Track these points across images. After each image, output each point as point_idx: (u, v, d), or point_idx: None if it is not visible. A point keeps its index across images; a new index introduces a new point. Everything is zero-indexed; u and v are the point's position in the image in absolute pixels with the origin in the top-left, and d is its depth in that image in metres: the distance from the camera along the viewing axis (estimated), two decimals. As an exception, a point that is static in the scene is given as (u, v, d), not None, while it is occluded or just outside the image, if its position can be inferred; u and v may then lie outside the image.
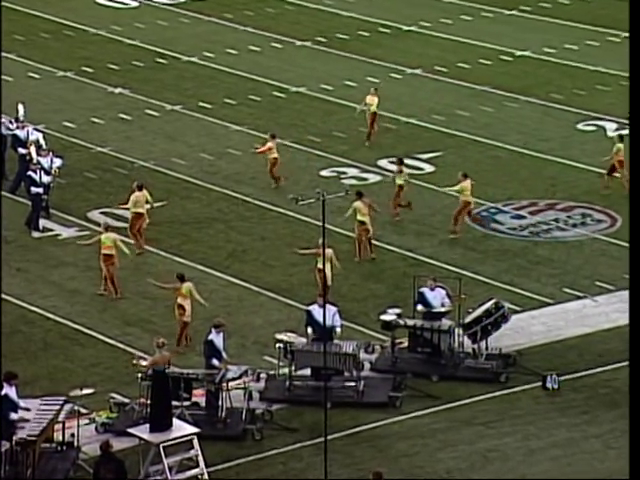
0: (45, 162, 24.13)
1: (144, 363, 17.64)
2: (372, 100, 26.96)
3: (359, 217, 22.29)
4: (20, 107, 25.79)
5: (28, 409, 16.24)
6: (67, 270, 22.06)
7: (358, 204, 22.27)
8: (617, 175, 24.74)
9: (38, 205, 23.52)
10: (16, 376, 16.39)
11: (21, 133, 25.17)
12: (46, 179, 23.76)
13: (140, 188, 22.81)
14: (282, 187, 25.51)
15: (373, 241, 23.02)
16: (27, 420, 16.08)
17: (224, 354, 17.97)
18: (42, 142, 25.21)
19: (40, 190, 23.47)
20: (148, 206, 23.02)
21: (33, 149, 24.69)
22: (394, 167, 24.59)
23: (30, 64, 32.24)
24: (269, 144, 25.08)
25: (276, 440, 17.43)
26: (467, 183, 23.44)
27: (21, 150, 24.91)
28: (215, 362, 17.72)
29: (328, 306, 18.64)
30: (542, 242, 23.52)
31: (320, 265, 20.65)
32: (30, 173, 23.65)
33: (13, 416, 16.03)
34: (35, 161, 24.07)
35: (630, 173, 16.31)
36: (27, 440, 16.00)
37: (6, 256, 22.56)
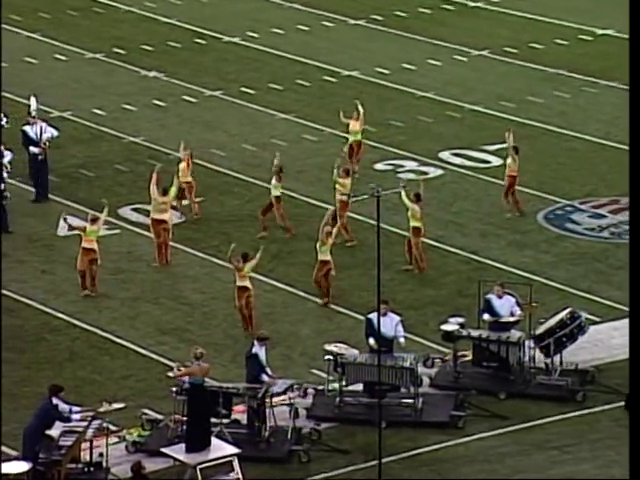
0: None
1: (179, 373, 17.74)
2: (355, 126, 25.06)
3: (413, 223, 22.00)
4: (32, 100, 25.16)
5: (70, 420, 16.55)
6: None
7: (415, 207, 21.96)
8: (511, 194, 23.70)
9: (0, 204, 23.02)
10: (62, 389, 16.72)
11: (31, 130, 24.51)
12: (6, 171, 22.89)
13: (164, 192, 22.49)
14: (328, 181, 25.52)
15: (434, 242, 22.97)
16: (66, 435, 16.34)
17: (269, 370, 17.98)
18: None
19: (1, 186, 23.07)
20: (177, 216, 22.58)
21: None
22: (273, 176, 22.81)
23: (56, 45, 32.62)
24: (188, 160, 23.38)
25: (325, 463, 17.46)
26: (348, 180, 23.01)
27: (33, 149, 24.48)
28: (264, 377, 17.75)
29: (390, 315, 18.66)
30: (624, 244, 23.30)
31: (323, 257, 20.80)
32: None
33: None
34: None
35: (630, 172, 16.32)
36: (52, 460, 16.22)
37: (30, 257, 22.86)
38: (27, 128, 24.65)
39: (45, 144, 24.48)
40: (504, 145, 25.97)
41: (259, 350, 17.95)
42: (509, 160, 24.02)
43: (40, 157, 24.42)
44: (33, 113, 24.88)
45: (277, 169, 23.22)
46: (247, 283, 20.22)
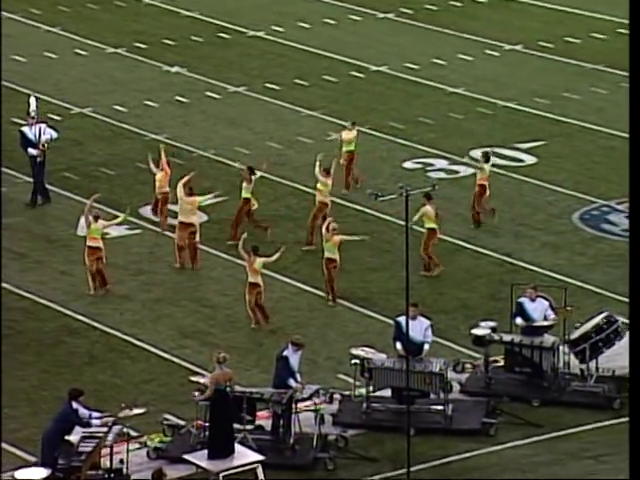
0: None
1: (202, 381, 17.82)
2: (348, 136, 24.56)
3: (429, 224, 21.81)
4: (32, 100, 24.90)
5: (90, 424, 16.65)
6: (116, 273, 22.36)
7: (427, 209, 21.79)
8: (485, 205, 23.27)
9: None
10: (82, 393, 16.82)
11: (30, 131, 24.39)
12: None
13: (190, 192, 22.46)
14: (361, 181, 25.53)
15: (465, 243, 22.94)
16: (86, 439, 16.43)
17: (298, 377, 17.98)
18: None
19: None
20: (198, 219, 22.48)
21: None
22: (245, 176, 22.84)
23: (76, 39, 32.79)
24: (167, 169, 23.06)
25: (352, 470, 17.47)
26: (329, 180, 22.82)
27: (31, 151, 24.39)
28: (292, 382, 17.80)
29: (420, 318, 18.67)
30: (663, 246, 23.17)
31: (328, 255, 20.88)
32: None
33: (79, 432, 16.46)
34: None
35: (630, 172, 16.28)
36: (71, 466, 16.31)
37: (49, 257, 23.00)
38: (26, 129, 24.59)
39: (44, 146, 24.38)
40: (537, 143, 25.92)
41: (291, 354, 17.94)
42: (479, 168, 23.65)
43: (38, 159, 24.36)
44: (32, 114, 24.69)
45: (247, 170, 23.10)
46: (258, 279, 20.33)
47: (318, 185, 23.07)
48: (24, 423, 18.16)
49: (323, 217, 22.47)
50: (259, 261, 20.39)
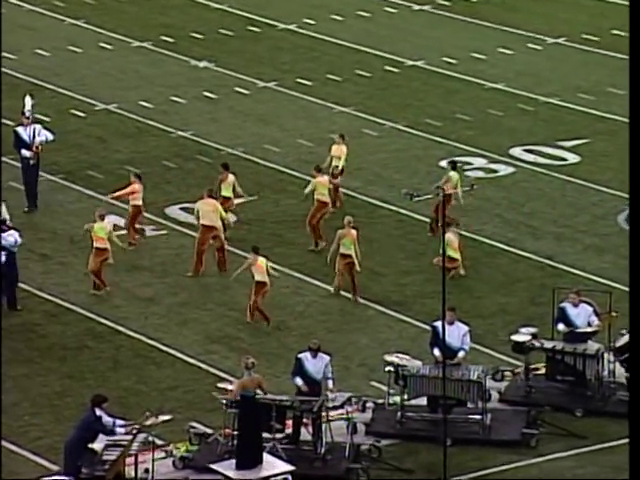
0: None
1: (230, 387, 17.86)
2: (338, 151, 24.09)
3: (450, 253, 21.21)
4: (27, 100, 24.67)
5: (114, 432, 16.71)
6: (141, 276, 22.47)
7: (449, 236, 21.12)
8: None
9: None
10: (106, 399, 16.91)
11: (24, 131, 24.20)
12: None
13: (210, 194, 22.40)
14: (395, 180, 25.51)
15: (504, 246, 22.88)
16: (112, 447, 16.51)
17: (330, 383, 17.93)
18: None
19: None
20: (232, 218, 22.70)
21: None
22: (222, 174, 22.97)
23: (101, 33, 32.98)
24: (134, 186, 22.87)
25: (385, 482, 17.51)
26: (325, 179, 22.71)
27: (24, 152, 24.21)
28: (298, 381, 17.84)
29: (458, 323, 18.63)
30: None
31: (343, 250, 20.93)
32: None
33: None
34: None
35: (630, 173, 16.15)
36: (95, 475, 16.38)
37: (72, 259, 23.12)
38: (20, 129, 24.38)
39: (37, 148, 24.20)
40: (581, 141, 25.77)
41: (308, 358, 17.97)
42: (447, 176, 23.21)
43: (32, 161, 24.25)
44: (27, 114, 24.41)
45: (222, 169, 23.19)
46: (266, 278, 20.51)
47: (316, 188, 22.80)
48: (46, 430, 18.27)
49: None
50: (262, 259, 20.58)
